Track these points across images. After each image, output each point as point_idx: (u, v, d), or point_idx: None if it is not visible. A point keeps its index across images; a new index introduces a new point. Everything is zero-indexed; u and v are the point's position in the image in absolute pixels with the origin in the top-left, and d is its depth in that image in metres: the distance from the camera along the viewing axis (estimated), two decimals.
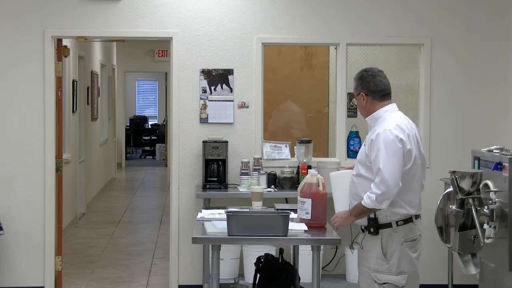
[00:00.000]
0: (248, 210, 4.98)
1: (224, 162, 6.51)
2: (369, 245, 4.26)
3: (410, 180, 4.19)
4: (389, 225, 4.21)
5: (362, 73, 4.37)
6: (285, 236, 4.40)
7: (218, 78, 6.68)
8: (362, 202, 4.16)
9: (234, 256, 6.58)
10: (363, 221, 4.29)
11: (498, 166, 5.33)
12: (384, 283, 4.21)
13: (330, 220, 4.48)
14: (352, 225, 5.04)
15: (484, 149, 5.67)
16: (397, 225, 4.21)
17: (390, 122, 4.22)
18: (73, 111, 9.96)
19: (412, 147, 4.18)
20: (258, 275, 5.31)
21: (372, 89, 4.31)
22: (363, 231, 4.35)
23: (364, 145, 4.29)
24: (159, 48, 17.72)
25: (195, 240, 4.50)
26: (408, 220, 4.23)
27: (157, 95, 21.75)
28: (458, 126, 6.79)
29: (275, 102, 7.88)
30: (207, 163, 6.51)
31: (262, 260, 5.31)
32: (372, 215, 4.22)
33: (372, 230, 4.22)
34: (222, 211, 5.06)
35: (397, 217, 4.21)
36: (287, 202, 6.17)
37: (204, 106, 6.68)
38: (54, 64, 6.65)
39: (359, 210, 4.22)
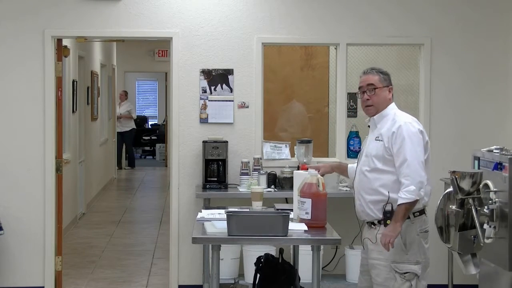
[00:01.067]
0: (248, 210, 4.97)
1: (224, 162, 6.51)
2: None
3: (427, 170, 4.33)
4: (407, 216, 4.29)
5: (385, 70, 4.50)
6: (285, 236, 4.40)
7: (218, 78, 6.68)
8: (402, 201, 4.20)
9: (234, 256, 6.58)
10: (376, 215, 4.35)
11: (498, 166, 5.33)
12: (405, 273, 4.29)
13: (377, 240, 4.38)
14: (351, 224, 5.05)
15: (484, 149, 5.67)
16: (414, 216, 4.33)
17: (405, 116, 4.40)
18: (73, 111, 9.95)
19: (428, 140, 4.39)
20: (258, 275, 5.31)
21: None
22: (372, 225, 4.40)
23: (378, 139, 4.36)
24: (159, 48, 17.72)
25: (195, 240, 4.50)
26: (422, 211, 4.37)
27: (157, 95, 21.74)
28: (458, 126, 6.79)
29: (275, 102, 7.87)
30: (207, 163, 6.51)
31: (262, 260, 5.31)
32: (388, 208, 4.27)
33: (389, 222, 4.26)
34: (222, 211, 5.06)
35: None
36: (287, 202, 6.17)
37: (204, 106, 6.68)
38: (54, 64, 6.65)
39: (403, 211, 4.23)
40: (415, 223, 4.33)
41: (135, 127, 17.58)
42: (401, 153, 4.25)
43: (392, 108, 4.45)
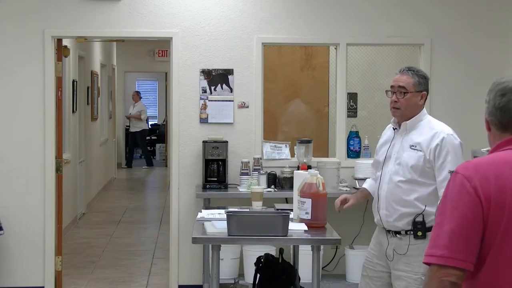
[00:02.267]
0: (248, 210, 4.97)
1: (224, 162, 6.51)
2: (414, 249, 4.15)
3: None
4: None
5: (425, 73, 4.34)
6: (285, 236, 4.39)
7: (218, 78, 6.68)
8: None
9: (234, 256, 6.58)
10: (405, 226, 4.19)
11: None
12: None
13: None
14: (351, 224, 5.04)
15: (484, 149, 5.66)
16: None
17: (444, 126, 4.27)
18: (73, 111, 9.95)
19: None
20: (258, 275, 5.31)
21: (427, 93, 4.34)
22: (397, 234, 4.22)
23: (415, 149, 4.17)
24: (159, 48, 17.72)
25: (195, 240, 4.50)
26: None
27: (157, 95, 21.73)
28: (458, 126, 6.73)
29: (275, 102, 7.88)
30: (207, 163, 6.51)
31: (262, 260, 5.31)
32: (419, 219, 4.13)
33: (419, 234, 4.14)
34: (222, 211, 5.06)
35: None
36: (287, 202, 6.17)
37: (204, 106, 6.68)
38: (54, 64, 6.65)
39: None
40: None
41: (145, 127, 17.84)
42: (444, 166, 4.12)
43: (425, 114, 4.31)
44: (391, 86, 4.27)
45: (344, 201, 4.52)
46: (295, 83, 8.12)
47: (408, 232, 4.18)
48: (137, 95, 17.77)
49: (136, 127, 17.52)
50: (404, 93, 4.22)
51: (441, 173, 4.14)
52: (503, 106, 2.36)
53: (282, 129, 7.80)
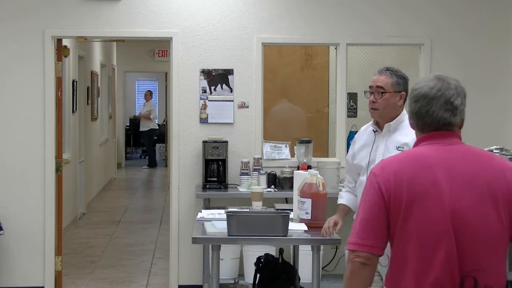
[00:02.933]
0: (248, 210, 4.97)
1: (224, 162, 6.51)
2: None
3: None
4: None
5: (404, 74, 4.26)
6: (285, 236, 4.39)
7: (218, 78, 6.68)
8: None
9: (234, 256, 6.58)
10: None
11: None
12: None
13: None
14: (351, 225, 5.01)
15: (485, 149, 5.66)
16: None
17: None
18: (73, 111, 9.95)
19: None
20: (258, 275, 5.31)
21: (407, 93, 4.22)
22: None
23: (402, 149, 4.05)
24: (159, 48, 17.71)
25: (195, 240, 4.50)
26: None
27: (157, 95, 21.73)
28: None
29: (275, 102, 7.88)
30: (207, 163, 6.51)
31: (262, 260, 5.31)
32: None
33: None
34: (222, 211, 5.06)
35: None
36: (287, 202, 6.17)
37: (204, 106, 6.68)
38: (54, 64, 6.65)
39: None
40: None
41: (154, 127, 17.90)
42: None
43: (405, 114, 4.18)
44: (369, 87, 4.20)
45: (335, 223, 4.39)
46: (295, 83, 8.12)
47: None
48: (149, 95, 18.00)
49: (144, 127, 17.65)
50: (382, 93, 4.14)
51: None
52: (417, 111, 2.68)
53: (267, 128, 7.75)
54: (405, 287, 2.57)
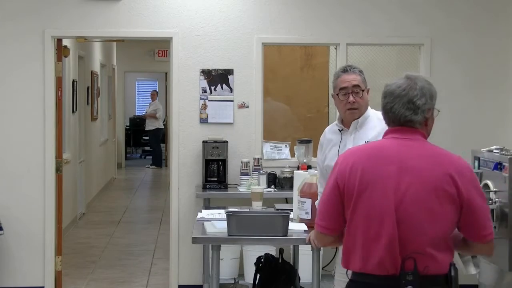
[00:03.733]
0: (248, 210, 4.97)
1: (224, 162, 6.52)
2: None
3: None
4: None
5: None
6: (285, 236, 4.39)
7: (218, 78, 6.68)
8: None
9: (234, 256, 6.58)
10: None
11: (498, 166, 5.32)
12: None
13: None
14: None
15: (484, 149, 5.67)
16: None
17: None
18: (73, 111, 9.95)
19: None
20: (258, 275, 5.31)
21: None
22: None
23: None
24: (159, 48, 17.72)
25: (195, 240, 4.50)
26: None
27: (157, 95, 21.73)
28: (458, 126, 6.79)
29: (274, 102, 7.87)
30: (207, 163, 6.51)
31: (262, 260, 5.31)
32: None
33: None
34: (222, 211, 5.06)
35: None
36: (287, 202, 6.17)
37: (204, 106, 6.68)
38: (54, 64, 6.65)
39: None
40: None
41: (160, 126, 17.88)
42: None
43: (369, 108, 4.22)
44: (343, 88, 4.12)
45: None
46: (295, 83, 8.12)
47: None
48: (155, 94, 18.03)
49: (150, 126, 17.64)
50: (362, 91, 4.13)
51: None
52: (384, 107, 2.96)
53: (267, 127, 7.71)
54: (353, 268, 2.90)
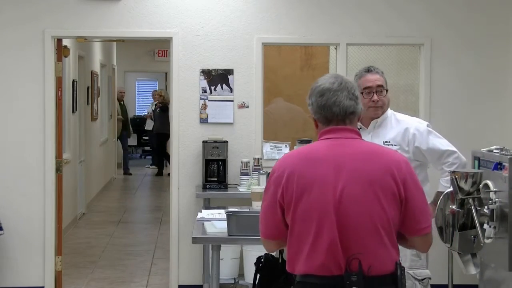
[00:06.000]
0: (248, 210, 4.97)
1: (224, 162, 6.52)
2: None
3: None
4: None
5: None
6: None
7: (218, 78, 6.68)
8: (442, 189, 4.30)
9: (234, 256, 6.58)
10: None
11: (498, 166, 5.32)
12: (423, 279, 4.31)
13: None
14: None
15: (484, 149, 5.66)
16: None
17: (408, 117, 4.47)
18: (73, 111, 9.95)
19: None
20: (258, 275, 5.31)
21: None
22: None
23: (389, 144, 4.26)
24: (159, 48, 17.71)
25: (195, 240, 4.51)
26: None
27: None
28: (458, 126, 6.79)
29: (273, 102, 7.87)
30: (207, 163, 6.51)
31: (262, 260, 5.30)
32: None
33: None
34: (222, 211, 5.06)
35: None
36: None
37: (204, 106, 6.68)
38: (54, 64, 6.65)
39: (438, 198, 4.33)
40: None
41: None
42: (436, 147, 4.33)
43: (389, 110, 4.43)
44: (368, 87, 4.31)
45: None
46: (295, 83, 8.11)
47: None
48: (158, 95, 17.86)
49: (151, 126, 17.48)
50: (386, 90, 4.34)
51: (433, 155, 4.34)
52: (324, 104, 2.92)
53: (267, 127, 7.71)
54: (298, 271, 2.88)
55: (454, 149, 4.42)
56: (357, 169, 2.83)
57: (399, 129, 4.32)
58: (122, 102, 16.26)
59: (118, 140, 16.19)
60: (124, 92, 16.69)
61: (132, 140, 19.73)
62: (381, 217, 2.80)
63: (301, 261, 2.86)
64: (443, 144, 4.38)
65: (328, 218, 2.80)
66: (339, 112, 2.91)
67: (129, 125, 16.78)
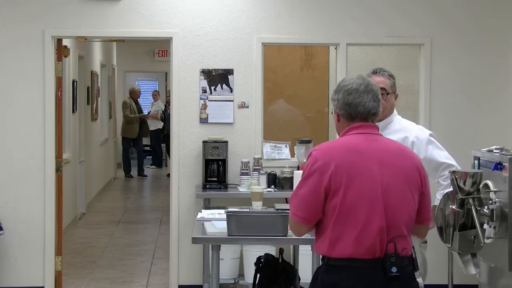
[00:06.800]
0: (248, 210, 4.97)
1: (224, 162, 6.52)
2: None
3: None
4: None
5: (393, 74, 4.40)
6: (285, 236, 4.39)
7: (218, 78, 6.68)
8: (438, 203, 4.27)
9: (234, 256, 6.58)
10: None
11: (498, 166, 5.33)
12: None
13: None
14: None
15: (484, 149, 5.67)
16: None
17: (412, 124, 4.42)
18: (73, 111, 9.95)
19: None
20: (258, 275, 5.31)
21: None
22: None
23: None
24: (159, 48, 17.70)
25: (195, 240, 4.50)
26: None
27: None
28: (458, 126, 6.79)
29: (274, 102, 7.87)
30: (207, 163, 6.51)
31: (262, 260, 5.31)
32: None
33: None
34: (222, 211, 5.06)
35: None
36: (287, 202, 6.16)
37: (204, 106, 6.68)
38: (54, 64, 6.65)
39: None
40: None
41: (161, 127, 17.68)
42: (431, 159, 4.27)
43: (395, 114, 4.39)
44: None
45: None
46: (295, 83, 8.11)
47: None
48: (157, 95, 17.84)
49: (151, 126, 17.43)
50: (387, 94, 4.28)
51: (429, 166, 4.24)
52: (351, 102, 3.22)
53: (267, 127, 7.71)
54: (341, 253, 3.09)
55: (452, 162, 4.36)
56: (396, 164, 3.16)
57: (400, 135, 4.27)
58: (136, 101, 15.90)
59: (132, 141, 15.82)
60: (139, 91, 16.35)
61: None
62: (412, 208, 3.17)
63: (345, 245, 3.08)
64: (441, 156, 4.34)
65: (378, 206, 3.08)
66: (363, 112, 3.22)
67: (147, 125, 16.38)
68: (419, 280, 4.29)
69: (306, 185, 3.14)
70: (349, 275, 3.08)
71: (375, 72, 4.35)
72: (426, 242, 4.40)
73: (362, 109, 3.22)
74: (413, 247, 3.26)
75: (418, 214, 3.24)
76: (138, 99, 16.06)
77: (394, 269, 3.08)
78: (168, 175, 16.10)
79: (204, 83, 6.68)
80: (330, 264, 3.12)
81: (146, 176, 15.97)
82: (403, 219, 3.14)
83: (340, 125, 3.28)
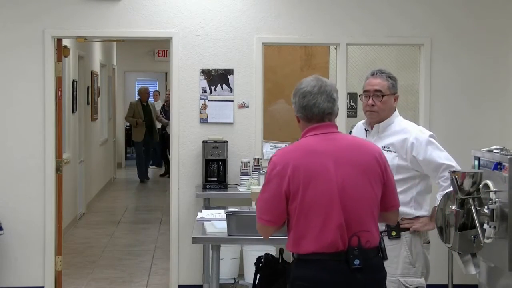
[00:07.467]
0: (248, 210, 4.97)
1: (224, 162, 6.52)
2: (389, 250, 4.04)
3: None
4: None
5: (394, 75, 4.38)
6: (285, 236, 4.38)
7: (218, 78, 6.68)
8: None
9: (234, 256, 6.58)
10: (380, 228, 4.22)
11: (498, 166, 5.32)
12: (416, 287, 4.23)
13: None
14: None
15: (484, 149, 5.67)
16: None
17: (413, 125, 4.38)
18: (73, 111, 9.95)
19: None
20: (258, 275, 5.31)
21: None
22: None
23: (388, 150, 4.21)
24: (159, 48, 17.70)
25: (195, 240, 4.51)
26: None
27: None
28: (458, 126, 6.79)
29: (274, 102, 7.86)
30: (207, 163, 6.51)
31: (262, 260, 5.31)
32: None
33: (394, 234, 4.20)
34: (222, 211, 5.06)
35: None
36: None
37: (204, 106, 6.68)
38: (54, 64, 6.65)
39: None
40: (419, 234, 4.27)
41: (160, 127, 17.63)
42: (430, 160, 4.24)
43: (396, 115, 4.35)
44: (366, 90, 4.30)
45: None
46: (295, 83, 8.08)
47: (382, 233, 4.13)
48: (158, 95, 17.81)
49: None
50: (382, 96, 4.26)
51: (428, 167, 4.25)
52: (306, 105, 3.34)
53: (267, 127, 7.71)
54: (306, 250, 3.24)
55: (452, 163, 4.32)
56: (352, 160, 3.27)
57: (399, 137, 4.25)
58: (145, 103, 15.14)
59: (141, 145, 15.16)
60: (148, 93, 15.59)
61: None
62: (373, 199, 3.30)
63: (308, 242, 3.24)
64: (441, 157, 4.29)
65: (335, 203, 3.21)
66: (318, 113, 3.33)
67: (155, 128, 15.64)
68: (421, 280, 4.29)
69: (268, 189, 3.29)
70: (316, 268, 3.23)
71: (372, 74, 4.33)
72: (429, 242, 4.39)
73: (317, 111, 3.32)
74: (381, 237, 3.38)
75: (383, 202, 3.37)
76: (148, 100, 15.37)
77: (356, 262, 3.21)
78: (161, 175, 16.18)
79: (204, 83, 6.68)
80: (299, 259, 3.29)
81: (148, 178, 15.79)
82: (365, 211, 3.27)
83: (301, 126, 3.40)
